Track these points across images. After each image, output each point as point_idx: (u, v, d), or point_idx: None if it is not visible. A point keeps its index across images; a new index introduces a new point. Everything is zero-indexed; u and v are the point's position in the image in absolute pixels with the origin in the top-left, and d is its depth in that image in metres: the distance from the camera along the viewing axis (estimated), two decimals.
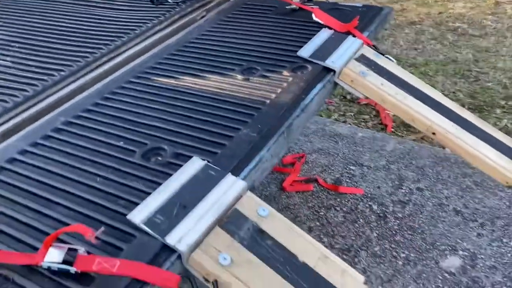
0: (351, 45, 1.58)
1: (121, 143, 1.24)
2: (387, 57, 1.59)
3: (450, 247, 2.09)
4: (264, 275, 0.90)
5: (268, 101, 1.33)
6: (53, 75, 1.61)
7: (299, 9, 1.90)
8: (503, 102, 3.02)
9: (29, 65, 1.71)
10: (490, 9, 4.21)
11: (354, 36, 1.63)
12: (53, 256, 0.86)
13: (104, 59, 1.70)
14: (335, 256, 0.97)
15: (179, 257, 0.89)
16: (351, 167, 2.58)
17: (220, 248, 0.92)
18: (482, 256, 2.03)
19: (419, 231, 2.17)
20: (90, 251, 0.90)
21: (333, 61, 1.50)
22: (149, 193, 1.02)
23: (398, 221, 2.23)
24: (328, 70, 1.49)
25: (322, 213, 2.31)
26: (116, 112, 1.39)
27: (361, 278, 0.96)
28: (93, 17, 2.09)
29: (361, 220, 2.26)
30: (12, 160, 1.23)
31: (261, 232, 0.96)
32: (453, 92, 3.15)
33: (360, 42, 1.60)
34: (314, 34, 1.67)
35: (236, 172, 1.07)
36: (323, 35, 1.65)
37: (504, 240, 2.09)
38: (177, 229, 0.92)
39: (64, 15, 2.15)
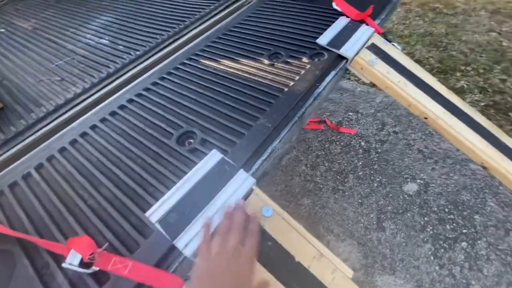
0: (363, 33, 0.99)
1: (163, 125, 0.81)
2: (393, 45, 1.00)
3: (411, 176, 1.63)
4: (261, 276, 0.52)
5: (286, 89, 0.83)
6: (130, 54, 1.15)
7: None
8: (463, 67, 2.28)
9: (117, 44, 1.25)
10: None
11: (367, 24, 1.03)
12: (73, 259, 0.51)
13: (170, 40, 1.18)
14: (330, 254, 0.57)
15: (185, 259, 0.53)
16: (350, 113, 2.04)
17: None
18: (433, 185, 1.57)
19: (391, 163, 1.71)
20: (113, 244, 0.55)
21: (347, 49, 0.93)
22: (174, 182, 0.63)
23: (377, 155, 1.76)
24: (342, 57, 0.93)
25: (326, 146, 1.86)
26: (166, 92, 0.93)
27: (350, 273, 0.56)
28: (167, 3, 1.49)
29: (352, 152, 1.80)
30: (84, 134, 0.85)
31: (263, 232, 0.56)
32: (427, 58, 2.41)
33: (372, 31, 1.00)
34: (333, 21, 1.06)
35: (249, 163, 0.65)
36: (340, 23, 1.04)
37: (451, 175, 1.60)
38: (186, 233, 0.53)
39: (146, 1, 1.56)
